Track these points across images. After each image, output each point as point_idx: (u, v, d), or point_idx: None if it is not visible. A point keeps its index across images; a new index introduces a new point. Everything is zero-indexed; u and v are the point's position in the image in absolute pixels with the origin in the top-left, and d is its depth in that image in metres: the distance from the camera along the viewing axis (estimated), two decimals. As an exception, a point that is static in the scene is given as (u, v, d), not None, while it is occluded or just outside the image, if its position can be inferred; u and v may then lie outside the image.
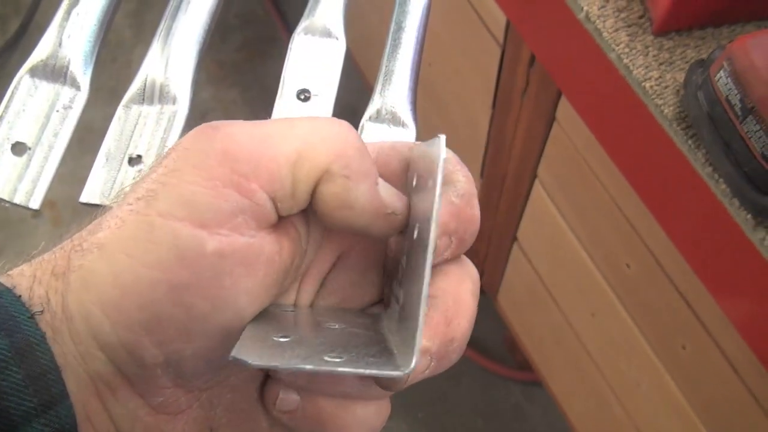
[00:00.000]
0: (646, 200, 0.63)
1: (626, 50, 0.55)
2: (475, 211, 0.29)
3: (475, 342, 1.51)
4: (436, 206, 0.26)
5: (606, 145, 0.65)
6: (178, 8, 0.52)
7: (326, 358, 0.25)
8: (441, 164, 0.26)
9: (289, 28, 1.81)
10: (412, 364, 0.24)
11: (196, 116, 0.45)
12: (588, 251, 0.96)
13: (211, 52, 1.78)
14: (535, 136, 0.94)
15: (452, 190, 0.28)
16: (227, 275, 0.26)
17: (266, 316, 0.28)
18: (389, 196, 0.28)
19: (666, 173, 0.57)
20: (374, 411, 0.29)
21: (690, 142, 0.51)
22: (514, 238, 1.17)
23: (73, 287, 0.26)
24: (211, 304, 0.25)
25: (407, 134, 0.49)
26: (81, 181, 0.45)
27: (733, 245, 0.52)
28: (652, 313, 0.89)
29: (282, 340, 0.26)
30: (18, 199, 0.47)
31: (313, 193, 0.27)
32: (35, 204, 0.47)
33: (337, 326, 0.29)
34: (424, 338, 0.26)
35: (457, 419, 1.48)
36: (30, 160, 0.48)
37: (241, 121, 0.27)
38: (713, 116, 0.47)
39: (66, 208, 1.55)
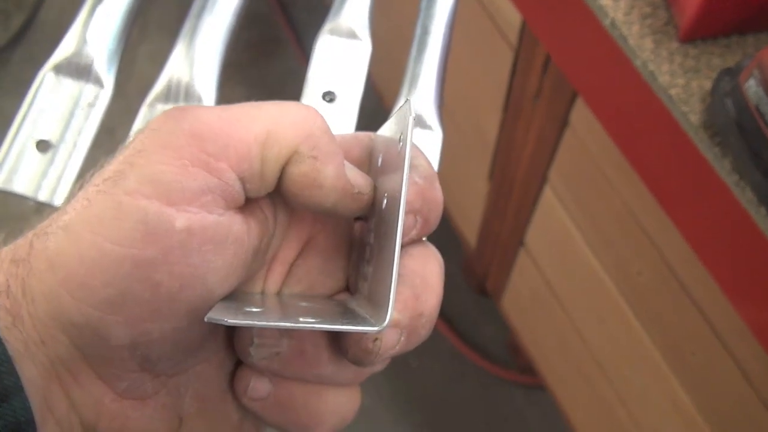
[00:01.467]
0: (668, 208, 0.63)
1: (652, 57, 0.55)
2: (438, 192, 0.29)
3: (477, 345, 1.51)
4: (407, 160, 0.26)
5: (626, 151, 0.64)
6: (203, 8, 0.52)
7: (301, 320, 0.25)
8: (411, 123, 0.27)
9: (295, 29, 1.81)
10: (387, 318, 0.24)
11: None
12: (598, 257, 0.96)
13: (216, 51, 1.77)
14: (547, 141, 0.94)
15: (415, 173, 0.29)
16: (195, 252, 0.25)
17: (235, 297, 0.28)
18: (355, 176, 0.28)
19: (690, 181, 0.57)
20: (346, 399, 0.29)
21: (716, 149, 0.51)
22: (521, 243, 1.17)
23: (35, 270, 0.25)
24: (179, 282, 0.25)
25: (433, 137, 0.48)
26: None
27: (759, 254, 0.52)
28: (663, 321, 0.89)
29: (254, 310, 0.27)
30: (42, 197, 0.47)
31: (282, 174, 0.27)
32: (59, 201, 0.46)
33: (305, 304, 0.29)
34: (396, 312, 0.26)
35: (458, 422, 1.48)
36: (54, 157, 0.47)
37: (209, 106, 0.28)
38: (741, 124, 0.47)
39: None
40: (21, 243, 0.27)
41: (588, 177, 0.89)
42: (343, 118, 0.49)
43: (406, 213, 0.27)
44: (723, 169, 0.51)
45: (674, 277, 0.81)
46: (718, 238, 0.58)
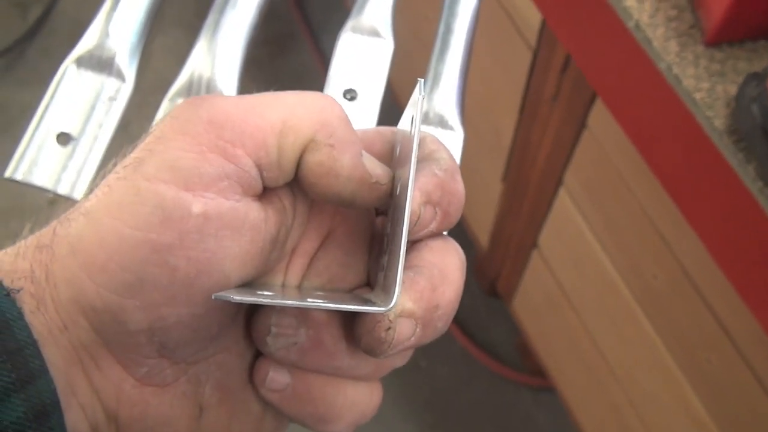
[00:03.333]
0: (687, 213, 0.62)
1: (676, 60, 0.54)
2: (459, 185, 0.29)
3: (486, 346, 1.51)
4: (416, 138, 0.26)
5: (646, 155, 0.64)
6: (225, 3, 0.51)
7: (309, 300, 0.25)
8: (420, 101, 0.27)
9: (310, 26, 1.81)
10: (393, 299, 0.24)
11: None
12: (613, 260, 0.95)
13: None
14: (564, 142, 0.93)
15: (435, 165, 0.28)
16: (212, 237, 0.25)
17: (253, 286, 0.28)
18: (373, 166, 0.28)
19: (712, 187, 0.57)
20: (365, 394, 0.29)
21: (741, 155, 0.51)
22: (535, 245, 1.17)
23: (58, 255, 0.26)
24: (196, 267, 0.25)
25: (455, 138, 0.48)
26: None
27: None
28: (677, 326, 0.89)
29: (267, 293, 0.27)
30: (62, 190, 0.47)
31: (299, 163, 0.27)
32: (78, 194, 0.46)
33: (322, 293, 0.29)
34: (410, 301, 0.26)
35: (467, 423, 1.48)
36: (74, 150, 0.47)
37: (229, 96, 0.28)
38: (767, 130, 0.47)
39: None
40: (45, 230, 0.27)
41: (605, 180, 0.89)
42: (364, 117, 0.49)
43: (425, 204, 0.27)
44: (747, 175, 0.50)
45: (690, 283, 0.81)
46: (740, 245, 0.58)
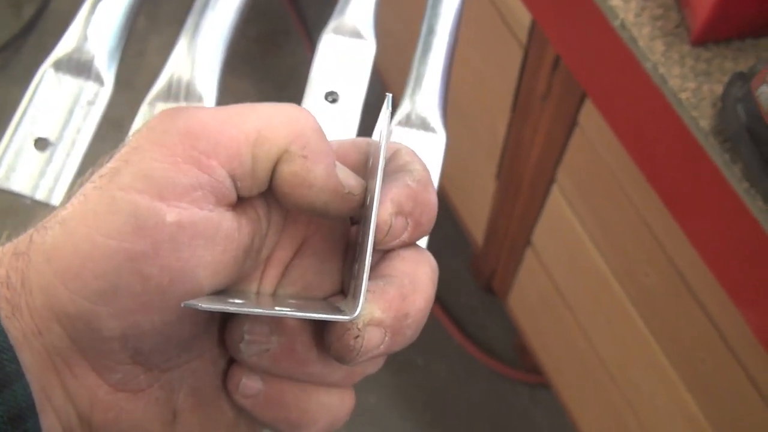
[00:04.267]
0: (675, 213, 0.62)
1: (662, 60, 0.54)
2: (432, 196, 0.29)
3: (483, 344, 1.51)
4: (382, 155, 0.27)
5: (634, 154, 0.64)
6: (205, 4, 0.51)
7: (276, 308, 0.26)
8: (387, 117, 0.28)
9: (304, 22, 1.80)
10: (357, 308, 0.25)
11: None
12: (605, 257, 0.95)
13: (226, 44, 1.77)
14: (555, 141, 0.93)
15: (408, 176, 0.29)
16: (186, 247, 0.26)
17: (227, 293, 0.28)
18: (346, 176, 0.29)
19: (698, 187, 0.56)
20: (338, 399, 0.30)
21: (726, 156, 0.50)
22: (528, 242, 1.16)
23: (34, 262, 0.26)
24: (169, 275, 0.26)
25: (437, 140, 0.48)
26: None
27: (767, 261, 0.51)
28: (671, 325, 0.88)
29: (237, 301, 0.27)
30: (39, 195, 0.47)
31: (273, 173, 0.28)
32: (56, 200, 0.46)
33: (295, 302, 0.30)
34: (379, 310, 0.27)
35: (464, 421, 1.48)
36: (52, 155, 0.47)
37: (205, 107, 0.29)
38: (753, 131, 0.46)
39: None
40: (22, 238, 0.27)
41: (596, 177, 0.88)
42: (346, 119, 0.49)
43: (396, 215, 0.28)
44: (733, 176, 0.50)
45: (682, 281, 0.81)
46: (727, 245, 0.57)
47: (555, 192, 1.00)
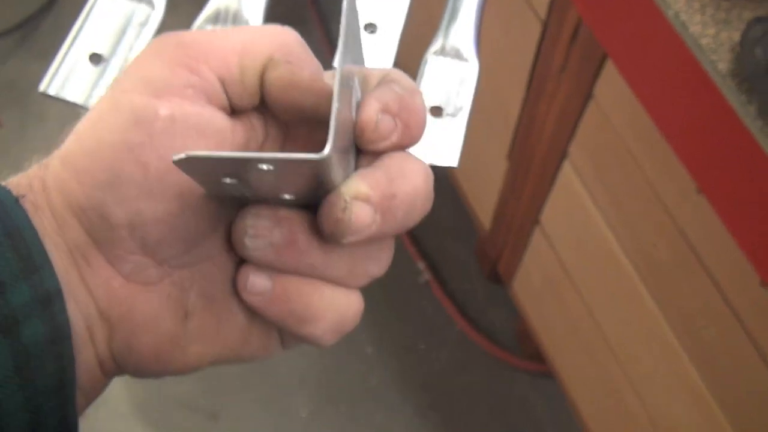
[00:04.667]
0: (688, 162, 0.64)
1: (684, 8, 0.56)
2: (419, 104, 0.30)
3: (485, 330, 1.52)
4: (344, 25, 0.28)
5: (651, 110, 0.66)
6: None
7: (256, 154, 0.28)
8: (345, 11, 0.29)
9: (320, 13, 1.83)
10: (327, 148, 0.26)
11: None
12: (614, 231, 0.97)
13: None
14: (569, 115, 0.95)
15: (395, 85, 0.30)
16: (179, 137, 0.29)
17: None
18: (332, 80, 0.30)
19: (714, 133, 0.58)
20: (343, 297, 0.31)
21: (743, 97, 0.53)
22: (536, 221, 1.18)
23: (51, 168, 0.30)
24: (166, 164, 0.28)
25: (470, 68, 0.50)
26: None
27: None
28: (676, 295, 0.90)
29: (222, 152, 0.29)
30: (91, 105, 0.49)
31: (263, 84, 0.30)
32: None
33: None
34: (365, 186, 0.28)
35: (464, 406, 1.49)
36: (105, 70, 0.49)
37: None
38: (770, 68, 0.49)
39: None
40: (46, 155, 0.31)
41: (610, 151, 0.90)
42: (384, 49, 0.51)
43: (383, 113, 0.29)
44: (748, 115, 0.52)
45: (692, 251, 0.82)
46: (739, 187, 0.59)
47: (566, 168, 1.02)
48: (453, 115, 0.48)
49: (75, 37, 0.50)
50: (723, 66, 0.54)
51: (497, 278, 1.45)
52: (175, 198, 0.29)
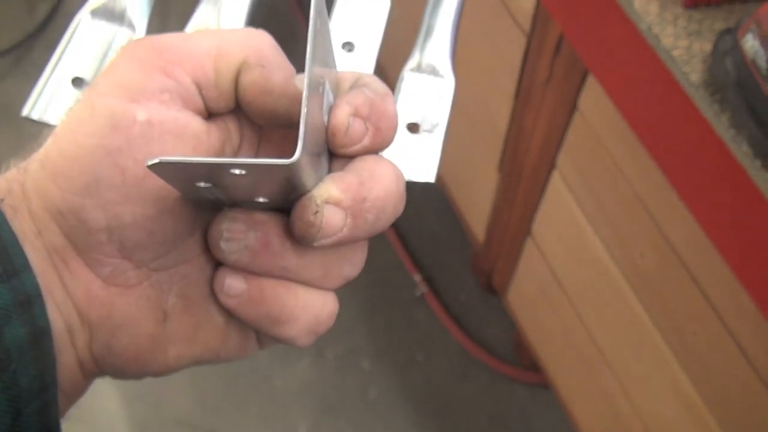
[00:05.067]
0: (667, 171, 0.65)
1: (656, 20, 0.57)
2: (390, 107, 0.31)
3: (482, 342, 1.53)
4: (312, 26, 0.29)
5: (630, 118, 0.67)
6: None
7: (229, 159, 0.28)
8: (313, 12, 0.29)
9: (306, 15, 1.84)
10: (297, 153, 0.26)
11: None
12: (604, 241, 0.97)
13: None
14: (556, 126, 0.96)
15: (366, 89, 0.31)
16: (156, 141, 0.29)
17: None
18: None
19: (688, 142, 0.59)
20: (319, 299, 0.31)
21: (715, 106, 0.54)
22: (528, 232, 1.19)
23: (30, 171, 0.30)
24: (143, 168, 0.28)
25: (446, 84, 0.51)
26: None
27: (753, 209, 0.54)
28: (665, 302, 0.90)
29: (195, 157, 0.30)
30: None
31: (236, 87, 0.31)
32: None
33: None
34: (336, 190, 0.28)
35: (462, 417, 1.49)
36: (87, 93, 0.50)
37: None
38: (739, 79, 0.50)
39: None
40: (25, 158, 0.31)
41: (596, 162, 0.91)
42: (361, 67, 0.52)
43: (353, 117, 0.30)
44: (721, 125, 0.53)
45: (676, 257, 0.83)
46: (712, 192, 0.60)
47: (555, 178, 1.03)
48: (429, 131, 0.49)
49: (57, 61, 0.51)
50: (695, 77, 0.55)
51: (493, 290, 1.45)
52: (153, 202, 0.29)
